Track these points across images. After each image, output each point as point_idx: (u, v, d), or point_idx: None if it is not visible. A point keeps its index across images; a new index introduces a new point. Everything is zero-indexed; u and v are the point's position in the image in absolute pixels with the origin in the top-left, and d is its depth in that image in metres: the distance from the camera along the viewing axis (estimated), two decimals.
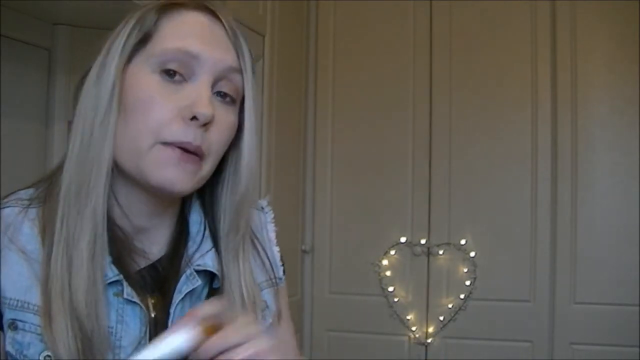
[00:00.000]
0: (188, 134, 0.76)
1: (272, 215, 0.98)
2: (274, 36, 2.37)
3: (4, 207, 0.79)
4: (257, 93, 2.25)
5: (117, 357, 0.76)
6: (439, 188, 2.63)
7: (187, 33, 0.79)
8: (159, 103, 0.76)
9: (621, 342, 2.41)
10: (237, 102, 0.82)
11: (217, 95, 0.80)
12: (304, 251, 2.71)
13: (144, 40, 0.79)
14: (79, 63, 1.68)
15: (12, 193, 0.82)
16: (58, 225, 0.76)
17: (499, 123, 2.59)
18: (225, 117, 0.80)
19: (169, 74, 0.78)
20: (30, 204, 0.80)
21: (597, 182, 2.51)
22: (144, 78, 0.77)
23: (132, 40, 0.79)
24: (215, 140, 0.79)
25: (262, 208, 0.98)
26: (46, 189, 0.81)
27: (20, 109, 1.72)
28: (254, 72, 0.83)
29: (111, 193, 0.81)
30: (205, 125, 0.77)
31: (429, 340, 2.61)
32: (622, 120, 2.50)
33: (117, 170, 0.80)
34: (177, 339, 0.69)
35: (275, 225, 0.98)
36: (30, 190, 0.82)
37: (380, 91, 2.70)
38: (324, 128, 2.75)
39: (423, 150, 2.65)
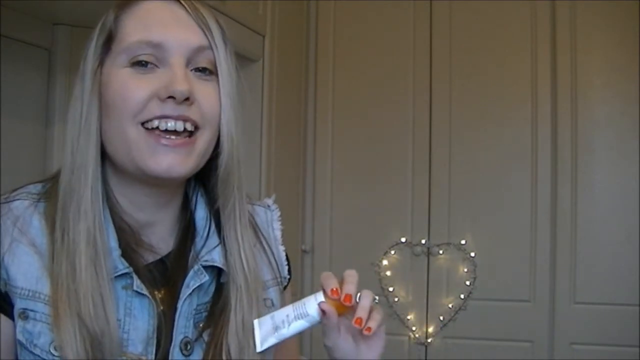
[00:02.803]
0: (166, 109, 0.77)
1: (279, 214, 0.99)
2: (274, 36, 2.37)
3: (13, 200, 0.80)
4: (261, 88, 2.26)
5: (125, 350, 0.77)
6: (439, 188, 2.63)
7: (147, 23, 0.79)
8: (134, 89, 0.77)
9: (621, 342, 2.41)
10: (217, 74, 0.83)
11: (195, 71, 0.80)
12: (304, 251, 2.71)
13: (108, 40, 0.80)
14: (78, 63, 1.68)
15: (21, 187, 0.83)
16: (58, 224, 0.78)
17: (499, 123, 2.59)
18: (209, 90, 0.80)
19: (141, 64, 0.78)
20: (39, 199, 0.81)
21: (597, 182, 2.51)
22: (116, 74, 0.79)
23: (99, 43, 0.80)
24: (207, 111, 0.80)
25: (269, 206, 0.99)
26: (52, 186, 0.82)
27: (20, 109, 1.72)
28: (227, 46, 0.83)
29: (111, 190, 0.83)
30: (186, 100, 0.77)
31: (429, 340, 2.61)
32: (622, 120, 2.50)
33: (115, 167, 0.82)
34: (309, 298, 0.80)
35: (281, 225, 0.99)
36: (39, 186, 0.84)
37: (380, 90, 2.70)
38: (324, 128, 2.75)
39: (423, 150, 2.65)
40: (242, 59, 2.26)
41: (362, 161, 2.71)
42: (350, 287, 0.82)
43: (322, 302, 0.81)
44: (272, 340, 0.81)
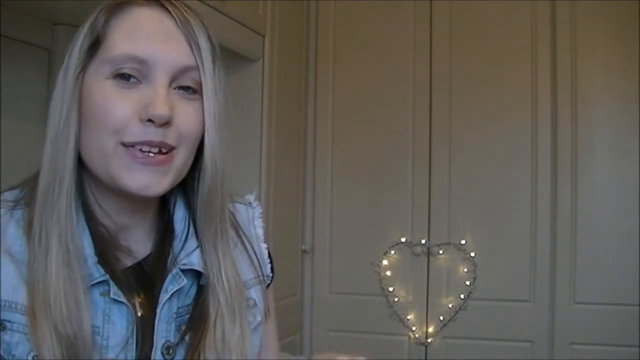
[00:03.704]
0: (148, 134, 0.76)
1: (260, 211, 0.98)
2: (274, 36, 2.37)
3: None
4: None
5: (104, 357, 0.76)
6: (439, 188, 2.63)
7: (135, 35, 0.77)
8: (115, 105, 0.76)
9: (621, 342, 2.41)
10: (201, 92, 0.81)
11: (179, 89, 0.79)
12: (304, 251, 2.71)
13: (95, 44, 0.78)
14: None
15: None
16: (35, 228, 0.76)
17: (499, 123, 2.59)
18: (190, 110, 0.79)
19: (124, 77, 0.77)
20: (15, 205, 0.80)
21: (597, 182, 2.51)
22: (99, 85, 0.77)
23: (85, 46, 0.78)
24: (184, 131, 0.78)
25: (250, 203, 0.98)
26: (30, 191, 0.80)
27: (20, 109, 1.72)
28: (215, 64, 0.81)
29: (90, 193, 0.82)
30: (166, 124, 0.76)
31: (429, 340, 2.61)
32: (622, 120, 2.49)
33: (92, 174, 0.80)
34: None
35: (266, 221, 0.97)
36: (16, 192, 0.82)
37: (380, 91, 2.70)
38: (324, 128, 2.75)
39: (423, 150, 2.65)
40: (242, 59, 2.26)
41: (362, 161, 2.71)
42: None
43: None
44: None
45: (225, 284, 0.83)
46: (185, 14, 0.79)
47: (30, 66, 1.77)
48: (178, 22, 0.78)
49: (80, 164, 0.80)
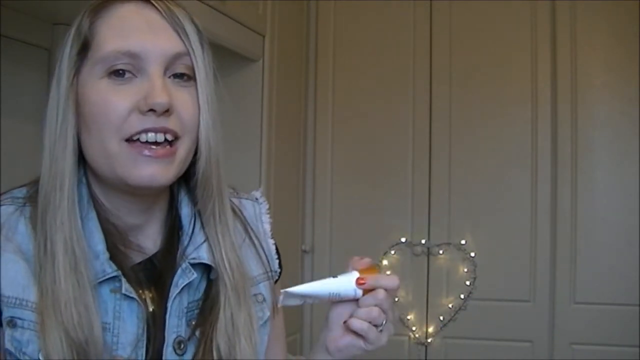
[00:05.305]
0: (147, 122, 0.77)
1: (267, 206, 0.98)
2: (274, 36, 2.37)
3: None
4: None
5: (114, 354, 0.76)
6: (439, 188, 2.63)
7: (123, 31, 0.78)
8: (114, 102, 0.76)
9: (621, 342, 2.41)
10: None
11: (174, 77, 0.80)
12: (304, 251, 2.71)
13: (84, 47, 0.79)
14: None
15: (5, 192, 0.83)
16: (40, 237, 0.77)
17: (499, 123, 2.59)
18: (187, 97, 0.80)
19: (118, 73, 0.77)
20: (25, 203, 0.80)
21: (597, 182, 2.51)
22: (94, 86, 0.78)
23: (75, 50, 0.79)
24: (186, 119, 0.79)
25: (257, 199, 0.98)
26: (37, 190, 0.81)
27: (20, 109, 1.72)
28: (204, 49, 0.82)
29: (96, 195, 0.82)
30: (166, 112, 0.77)
31: (429, 340, 2.61)
32: (622, 120, 2.50)
33: (96, 175, 0.81)
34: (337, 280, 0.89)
35: (271, 218, 0.98)
36: (24, 190, 0.83)
37: (380, 91, 2.70)
38: (324, 128, 2.75)
39: (423, 150, 2.65)
40: (242, 59, 2.26)
41: (362, 161, 2.71)
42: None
43: (360, 277, 0.94)
44: (295, 302, 0.87)
45: (227, 266, 0.84)
46: (168, 3, 0.81)
47: (30, 66, 1.77)
48: (162, 12, 0.80)
49: (86, 167, 0.81)
